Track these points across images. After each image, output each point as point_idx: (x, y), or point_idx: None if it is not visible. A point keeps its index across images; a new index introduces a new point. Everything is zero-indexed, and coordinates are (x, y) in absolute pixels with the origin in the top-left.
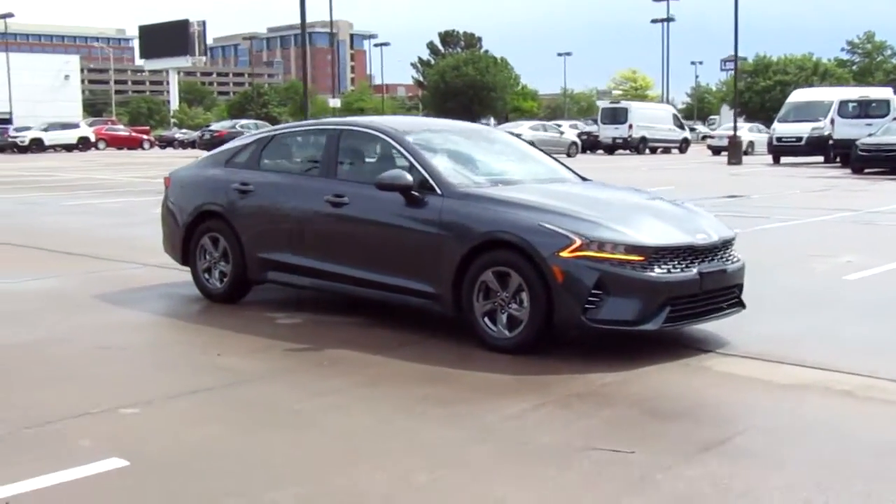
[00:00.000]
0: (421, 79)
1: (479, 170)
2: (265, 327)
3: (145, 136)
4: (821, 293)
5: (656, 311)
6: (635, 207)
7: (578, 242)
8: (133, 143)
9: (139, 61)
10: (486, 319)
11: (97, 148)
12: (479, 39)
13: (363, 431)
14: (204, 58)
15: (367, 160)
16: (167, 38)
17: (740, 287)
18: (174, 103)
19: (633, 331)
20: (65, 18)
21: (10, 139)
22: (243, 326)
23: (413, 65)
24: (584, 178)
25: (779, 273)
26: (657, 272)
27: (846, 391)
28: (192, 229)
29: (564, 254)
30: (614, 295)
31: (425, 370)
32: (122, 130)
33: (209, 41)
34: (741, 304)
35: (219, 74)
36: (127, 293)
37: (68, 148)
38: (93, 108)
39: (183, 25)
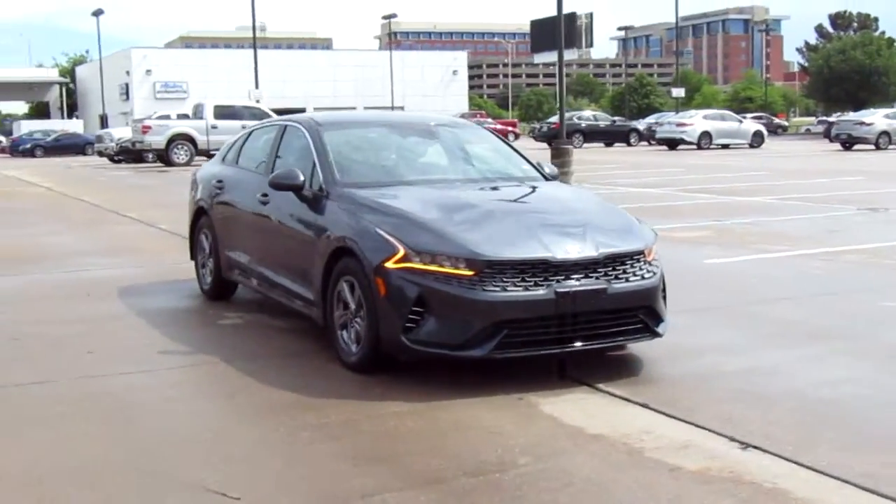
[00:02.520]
0: (805, 64)
1: (384, 170)
2: (202, 328)
3: (511, 129)
4: None
5: (486, 335)
6: (511, 213)
7: (402, 252)
8: (501, 136)
9: (529, 55)
10: (342, 332)
11: None
12: (875, 20)
13: None
14: (590, 49)
15: (294, 157)
16: (556, 31)
17: (650, 310)
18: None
19: (457, 357)
20: (455, 16)
21: None
22: (183, 323)
23: (798, 50)
24: (547, 179)
25: None
26: (488, 290)
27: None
28: (193, 225)
29: (389, 264)
30: (437, 314)
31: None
32: (488, 123)
33: (619, 33)
34: (649, 332)
35: (611, 65)
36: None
37: None
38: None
39: (571, 18)
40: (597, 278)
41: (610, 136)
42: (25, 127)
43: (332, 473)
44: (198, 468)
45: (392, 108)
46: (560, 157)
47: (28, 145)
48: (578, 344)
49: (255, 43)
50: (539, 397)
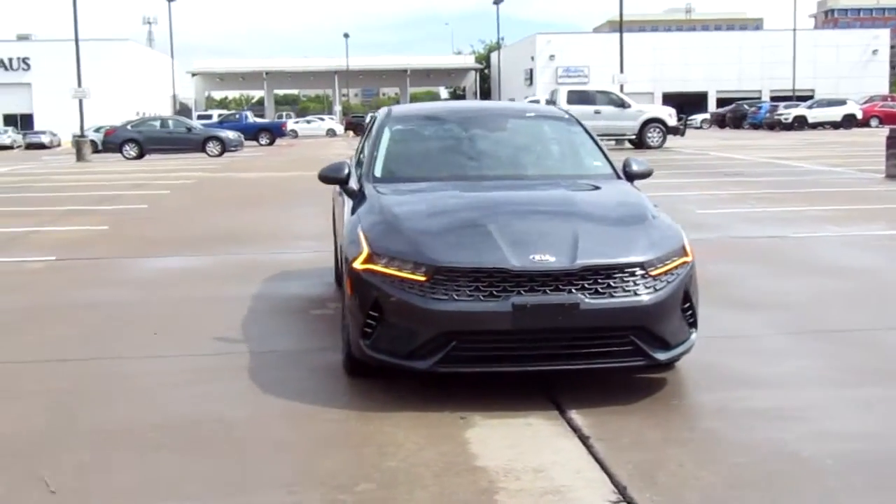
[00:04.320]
0: None
1: (426, 165)
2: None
3: None
4: None
5: (433, 346)
6: (506, 217)
7: (366, 252)
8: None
9: None
10: (342, 332)
11: (868, 125)
12: None
13: None
14: None
15: (367, 150)
16: None
17: (645, 332)
18: None
19: (405, 367)
20: None
21: (776, 116)
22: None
23: None
24: (620, 178)
25: None
26: (437, 297)
27: None
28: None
29: (356, 264)
30: (390, 320)
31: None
32: None
33: None
34: (642, 356)
35: None
36: None
37: (834, 125)
38: None
39: None
40: (569, 292)
41: None
42: None
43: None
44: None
45: (792, 92)
46: None
47: None
48: (542, 364)
49: (622, 26)
50: (483, 418)
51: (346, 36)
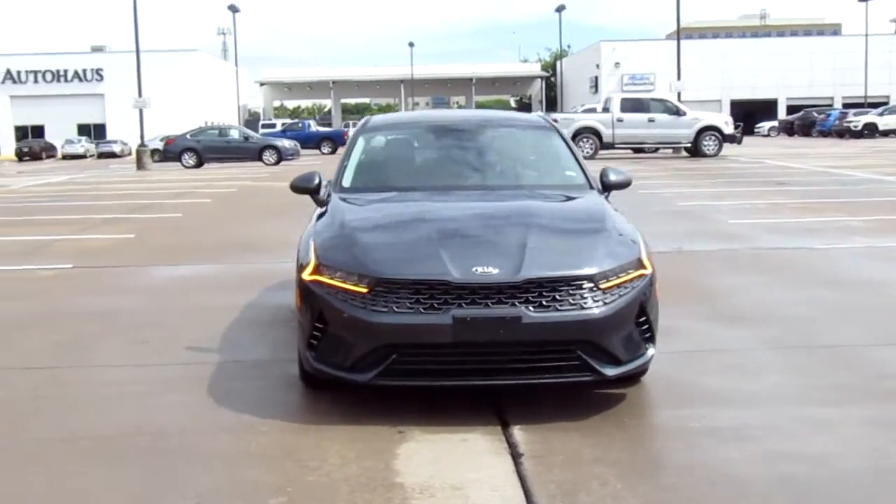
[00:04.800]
0: None
1: (394, 175)
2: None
3: None
4: None
5: (373, 359)
6: (456, 228)
7: (313, 263)
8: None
9: None
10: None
11: None
12: None
13: None
14: None
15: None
16: None
17: (593, 346)
18: None
19: (347, 380)
20: None
21: (845, 123)
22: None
23: None
24: (592, 188)
25: None
26: (377, 310)
27: None
28: None
29: (305, 275)
30: (334, 332)
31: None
32: None
33: None
34: (590, 371)
35: None
36: None
37: None
38: None
39: None
40: (512, 305)
41: None
42: None
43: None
44: None
45: (823, 100)
46: None
47: None
48: (485, 379)
49: (679, 32)
50: (423, 432)
51: (412, 45)
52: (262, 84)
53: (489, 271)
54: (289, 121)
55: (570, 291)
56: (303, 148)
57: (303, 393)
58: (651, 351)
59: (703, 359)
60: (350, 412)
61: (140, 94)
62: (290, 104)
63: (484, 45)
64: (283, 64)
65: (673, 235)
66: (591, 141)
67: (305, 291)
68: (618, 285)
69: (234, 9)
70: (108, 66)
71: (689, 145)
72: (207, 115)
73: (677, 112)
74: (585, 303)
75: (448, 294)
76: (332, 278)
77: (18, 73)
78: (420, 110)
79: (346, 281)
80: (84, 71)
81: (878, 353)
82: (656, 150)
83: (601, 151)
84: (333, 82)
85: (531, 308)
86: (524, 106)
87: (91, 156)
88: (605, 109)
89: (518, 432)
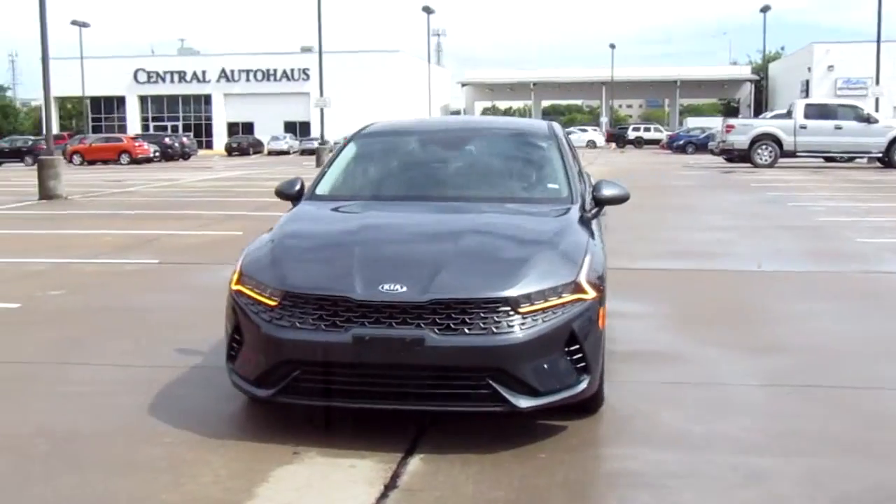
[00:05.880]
0: None
1: (369, 183)
2: None
3: None
4: None
5: (277, 374)
6: (389, 242)
7: (237, 273)
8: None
9: None
10: None
11: None
12: None
13: None
14: None
15: None
16: None
17: (506, 375)
18: None
19: (251, 394)
20: None
21: None
22: None
23: None
24: (573, 203)
25: None
26: (281, 324)
27: None
28: None
29: (232, 284)
30: (245, 344)
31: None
32: None
33: None
34: (500, 400)
35: None
36: None
37: None
38: None
39: None
40: (417, 326)
41: None
42: (692, 123)
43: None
44: None
45: None
46: None
47: (681, 142)
48: (389, 403)
49: (879, 32)
50: (318, 454)
51: (612, 46)
52: (463, 85)
53: (395, 289)
54: None
55: (482, 315)
56: None
57: (240, 404)
58: (584, 384)
59: (680, 393)
60: (268, 427)
61: (321, 94)
62: (502, 105)
63: (692, 47)
64: (487, 65)
65: (778, 253)
66: (770, 149)
67: (229, 301)
68: (543, 310)
69: (428, 10)
70: (315, 66)
71: (880, 155)
72: (407, 116)
73: (868, 119)
74: (499, 327)
75: (351, 312)
76: (250, 289)
77: (232, 72)
78: (420, 118)
79: (260, 293)
80: (292, 70)
81: (880, 397)
82: (850, 159)
83: (781, 160)
84: (534, 83)
85: (436, 330)
86: (731, 110)
87: (294, 152)
88: (788, 115)
89: (416, 462)
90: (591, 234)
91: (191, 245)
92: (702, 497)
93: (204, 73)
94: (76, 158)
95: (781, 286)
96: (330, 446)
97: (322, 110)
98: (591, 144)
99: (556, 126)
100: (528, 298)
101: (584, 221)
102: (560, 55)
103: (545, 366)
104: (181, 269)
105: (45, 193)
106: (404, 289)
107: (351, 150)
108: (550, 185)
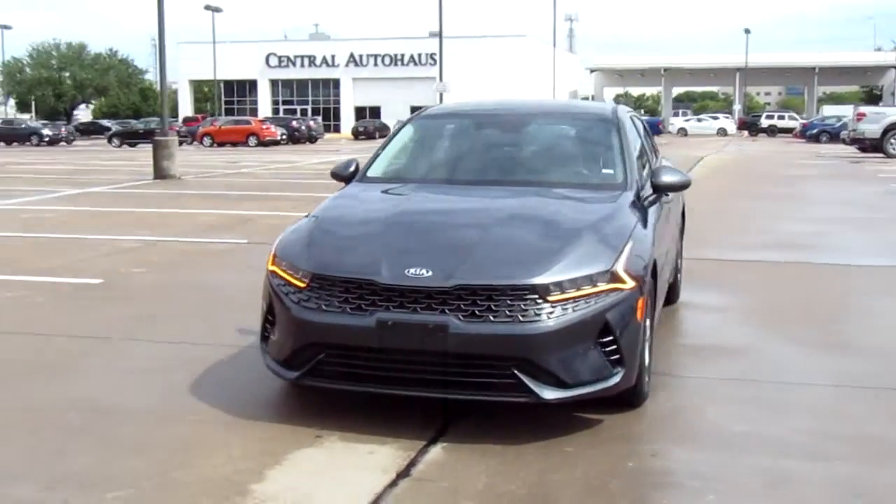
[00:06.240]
0: None
1: (420, 165)
2: None
3: None
4: None
5: (304, 356)
6: (427, 228)
7: (272, 253)
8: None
9: None
10: None
11: None
12: None
13: None
14: None
15: None
16: None
17: (531, 365)
18: None
19: (280, 375)
20: None
21: None
22: None
23: None
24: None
25: None
26: (308, 306)
27: None
28: None
29: (268, 264)
30: (277, 326)
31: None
32: None
33: None
34: (525, 391)
35: None
36: None
37: None
38: None
39: None
40: (441, 312)
41: None
42: (829, 111)
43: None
44: None
45: None
46: None
47: (815, 130)
48: (412, 389)
49: None
50: (340, 439)
51: (748, 31)
52: (592, 71)
53: (421, 274)
54: None
55: (509, 302)
56: None
57: (281, 387)
58: (617, 377)
59: (735, 390)
60: (299, 409)
61: (441, 78)
62: (635, 92)
63: (830, 32)
64: (621, 51)
65: (889, 247)
66: None
67: (266, 280)
68: (575, 298)
69: None
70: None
71: None
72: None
73: None
74: (526, 315)
75: (376, 295)
76: (283, 270)
77: (360, 56)
78: (482, 100)
79: (291, 274)
80: (419, 55)
81: None
82: None
83: None
84: (665, 69)
85: (461, 317)
86: (873, 98)
87: None
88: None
89: (437, 450)
90: (643, 222)
91: (285, 226)
92: (722, 500)
93: (333, 57)
94: (206, 140)
95: (879, 283)
96: (354, 431)
97: (441, 95)
98: (722, 132)
99: (622, 109)
100: (560, 286)
101: (638, 208)
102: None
103: (575, 357)
104: (268, 249)
105: (159, 173)
106: (430, 273)
107: (407, 132)
108: (605, 171)
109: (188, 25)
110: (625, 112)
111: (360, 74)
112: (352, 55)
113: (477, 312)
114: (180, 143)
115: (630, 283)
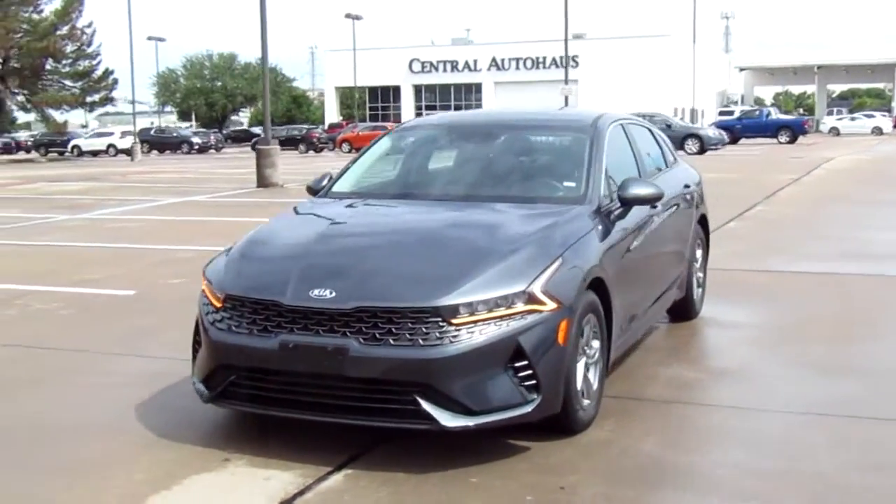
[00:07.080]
0: None
1: (384, 180)
2: None
3: None
4: None
5: (218, 378)
6: (352, 247)
7: (203, 272)
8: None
9: None
10: None
11: None
12: None
13: None
14: None
15: None
16: None
17: (432, 391)
18: None
19: (199, 395)
20: None
21: None
22: None
23: None
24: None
25: None
26: (219, 327)
27: None
28: None
29: (202, 285)
30: (202, 347)
31: None
32: None
33: None
34: (425, 418)
35: None
36: None
37: None
38: None
39: None
40: (342, 335)
41: None
42: None
43: None
44: None
45: None
46: None
47: None
48: (315, 414)
49: None
50: (244, 464)
51: None
52: (741, 69)
53: (324, 295)
54: (748, 107)
55: (410, 325)
56: (759, 137)
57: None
58: (532, 404)
59: (695, 417)
60: (223, 430)
61: (566, 82)
62: (796, 90)
63: None
64: (772, 50)
65: None
66: None
67: (199, 301)
68: (485, 320)
69: None
70: (584, 53)
71: None
72: (677, 101)
73: None
74: (427, 339)
75: (282, 317)
76: (207, 290)
77: (502, 60)
78: (484, 110)
79: (212, 294)
80: (561, 58)
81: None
82: None
83: None
84: (818, 67)
85: (361, 340)
86: None
87: None
88: None
89: (337, 477)
90: (600, 236)
91: None
92: None
93: (475, 61)
94: (345, 146)
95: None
96: (265, 455)
97: (567, 98)
98: (877, 131)
99: (605, 119)
100: (470, 307)
101: (597, 222)
102: (850, 37)
103: (482, 383)
104: None
105: (262, 182)
106: (333, 295)
107: (383, 144)
108: (567, 184)
109: (333, 34)
110: (610, 122)
111: (502, 78)
112: (494, 59)
113: (377, 335)
114: (320, 150)
115: (550, 305)
